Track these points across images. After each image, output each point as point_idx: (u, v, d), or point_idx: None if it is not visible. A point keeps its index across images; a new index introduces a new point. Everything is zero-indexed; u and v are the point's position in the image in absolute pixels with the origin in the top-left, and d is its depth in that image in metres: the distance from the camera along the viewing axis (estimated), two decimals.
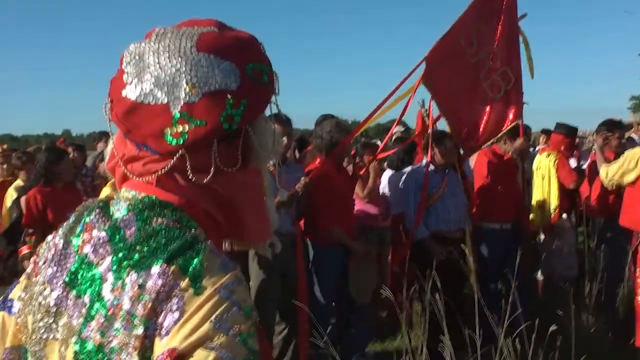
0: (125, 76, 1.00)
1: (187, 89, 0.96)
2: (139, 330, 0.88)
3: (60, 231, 1.07)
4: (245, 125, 1.01)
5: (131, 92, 0.98)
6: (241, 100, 0.98)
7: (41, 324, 1.00)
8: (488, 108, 5.07)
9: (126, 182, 1.05)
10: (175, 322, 0.87)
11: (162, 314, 0.88)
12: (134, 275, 0.91)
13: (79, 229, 1.04)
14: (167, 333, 0.87)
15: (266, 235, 1.14)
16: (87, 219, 1.04)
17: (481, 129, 5.10)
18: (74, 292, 0.97)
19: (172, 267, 0.90)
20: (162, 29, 1.03)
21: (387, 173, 5.76)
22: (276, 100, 1.07)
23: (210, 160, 0.99)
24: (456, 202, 5.06)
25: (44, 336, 0.99)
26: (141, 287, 0.89)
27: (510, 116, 5.06)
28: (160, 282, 0.89)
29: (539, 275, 5.80)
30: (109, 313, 0.90)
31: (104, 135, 7.49)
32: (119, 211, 1.01)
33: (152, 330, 0.88)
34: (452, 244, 4.93)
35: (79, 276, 0.97)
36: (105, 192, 5.13)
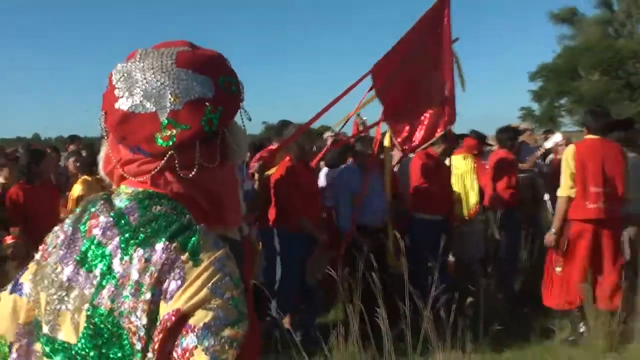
0: (117, 91, 1.12)
1: (172, 99, 1.09)
2: (147, 296, 1.01)
3: (68, 221, 1.21)
4: (222, 128, 1.15)
5: (123, 104, 1.11)
6: (217, 107, 1.11)
7: (55, 297, 1.11)
8: (426, 115, 5.68)
9: (123, 181, 1.18)
10: (178, 288, 1.00)
11: (166, 282, 1.01)
12: (140, 252, 1.04)
13: (85, 218, 1.17)
14: (172, 297, 1.00)
15: (239, 220, 1.27)
16: (93, 209, 1.17)
17: (419, 134, 5.71)
18: (84, 269, 1.09)
19: (174, 244, 1.03)
20: (144, 50, 1.17)
21: (324, 170, 6.43)
22: (244, 106, 1.21)
23: (194, 159, 1.11)
24: (380, 198, 5.65)
25: (58, 307, 1.11)
26: (147, 260, 1.03)
27: (443, 124, 5.67)
28: (164, 256, 1.02)
29: (451, 258, 6.63)
30: (118, 283, 1.03)
31: (76, 139, 8.17)
32: (121, 202, 1.15)
33: (157, 296, 1.01)
34: (377, 232, 5.54)
35: (89, 255, 1.10)
36: (77, 188, 5.53)
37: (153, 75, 1.11)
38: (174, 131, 1.09)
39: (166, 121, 1.09)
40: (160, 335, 0.98)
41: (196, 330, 0.98)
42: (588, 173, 5.19)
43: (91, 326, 1.04)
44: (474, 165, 6.46)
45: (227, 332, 0.99)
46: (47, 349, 1.11)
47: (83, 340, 1.05)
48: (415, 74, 5.64)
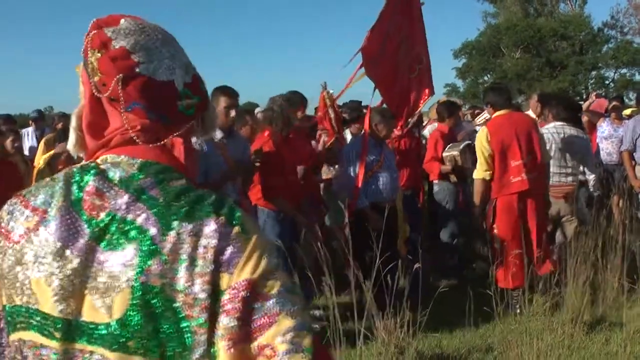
0: (133, 56, 1.10)
1: (182, 71, 1.15)
2: (206, 269, 1.00)
3: (41, 196, 1.10)
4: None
5: (144, 70, 1.11)
6: (204, 82, 1.21)
7: (67, 281, 1.03)
8: (410, 87, 5.68)
9: (116, 150, 1.12)
10: (239, 261, 1.02)
11: (225, 254, 1.01)
12: (188, 227, 1.02)
13: (75, 193, 1.09)
14: (235, 269, 1.01)
15: None
16: (84, 184, 1.09)
17: (405, 109, 5.72)
18: (103, 247, 1.03)
19: (221, 218, 1.04)
20: (133, 20, 1.14)
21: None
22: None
23: (194, 130, 1.19)
24: (391, 174, 5.50)
25: (76, 289, 1.03)
26: (196, 235, 1.01)
27: (426, 91, 5.68)
28: (217, 230, 1.02)
29: None
30: (168, 258, 1.00)
31: (8, 118, 7.67)
32: (126, 173, 1.09)
33: (216, 269, 1.00)
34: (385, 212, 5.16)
35: (111, 231, 1.04)
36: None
37: (163, 46, 1.14)
38: (193, 101, 1.14)
39: (183, 91, 1.13)
40: (238, 305, 1.00)
41: (273, 297, 1.02)
42: (506, 149, 5.30)
43: (138, 304, 1.00)
44: None
45: (296, 298, 1.04)
46: (79, 337, 1.04)
47: (135, 318, 1.01)
48: (399, 47, 5.62)
